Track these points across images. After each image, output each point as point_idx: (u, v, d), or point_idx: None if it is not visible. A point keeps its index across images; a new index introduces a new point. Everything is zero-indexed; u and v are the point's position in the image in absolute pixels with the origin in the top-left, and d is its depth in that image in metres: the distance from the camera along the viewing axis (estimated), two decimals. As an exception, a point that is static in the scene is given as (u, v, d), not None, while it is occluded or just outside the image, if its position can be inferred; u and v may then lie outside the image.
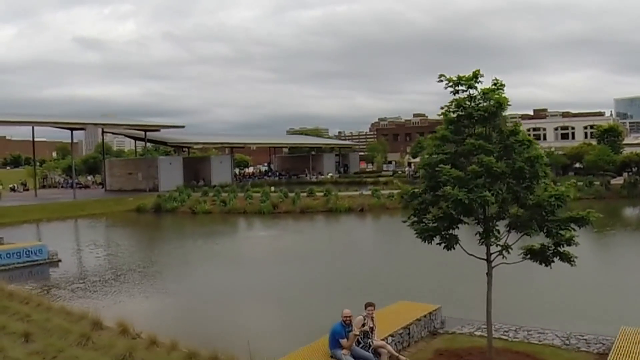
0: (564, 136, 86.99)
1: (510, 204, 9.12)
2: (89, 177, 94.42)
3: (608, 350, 10.32)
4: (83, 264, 26.53)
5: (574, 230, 9.02)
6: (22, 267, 23.85)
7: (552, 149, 60.33)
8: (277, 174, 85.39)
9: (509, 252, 9.15)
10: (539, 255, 9.38)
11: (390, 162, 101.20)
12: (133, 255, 28.21)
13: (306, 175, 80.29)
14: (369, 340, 9.78)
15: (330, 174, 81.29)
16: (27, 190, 70.36)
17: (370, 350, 9.68)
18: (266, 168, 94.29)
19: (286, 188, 53.29)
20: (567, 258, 9.23)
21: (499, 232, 9.27)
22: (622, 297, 16.29)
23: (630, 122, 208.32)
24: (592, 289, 17.82)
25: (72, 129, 59.28)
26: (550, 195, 8.63)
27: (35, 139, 60.30)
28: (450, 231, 9.39)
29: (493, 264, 9.52)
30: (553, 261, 9.39)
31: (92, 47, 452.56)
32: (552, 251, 9.26)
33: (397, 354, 10.02)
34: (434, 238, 9.47)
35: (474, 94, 9.47)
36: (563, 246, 9.25)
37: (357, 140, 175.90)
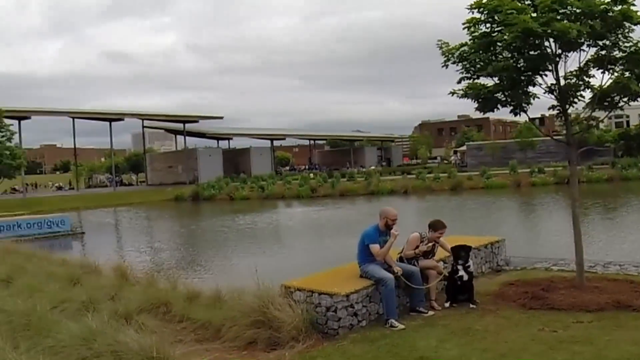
0: (618, 125, 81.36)
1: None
2: (133, 176, 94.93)
3: None
4: (109, 238, 25.02)
5: None
6: (44, 238, 22.49)
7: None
8: (318, 167, 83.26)
9: (594, 127, 6.65)
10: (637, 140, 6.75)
11: (435, 158, 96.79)
12: (163, 230, 26.76)
13: (347, 168, 77.64)
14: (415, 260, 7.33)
15: (372, 167, 78.33)
16: (73, 189, 71.12)
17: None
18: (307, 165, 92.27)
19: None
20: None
21: (581, 98, 6.69)
22: None
23: None
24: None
25: (110, 120, 59.14)
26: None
27: (84, 147, 60.95)
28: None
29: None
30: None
31: (118, 61, 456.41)
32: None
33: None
34: (495, 101, 6.93)
35: None
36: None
37: (400, 142, 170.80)
